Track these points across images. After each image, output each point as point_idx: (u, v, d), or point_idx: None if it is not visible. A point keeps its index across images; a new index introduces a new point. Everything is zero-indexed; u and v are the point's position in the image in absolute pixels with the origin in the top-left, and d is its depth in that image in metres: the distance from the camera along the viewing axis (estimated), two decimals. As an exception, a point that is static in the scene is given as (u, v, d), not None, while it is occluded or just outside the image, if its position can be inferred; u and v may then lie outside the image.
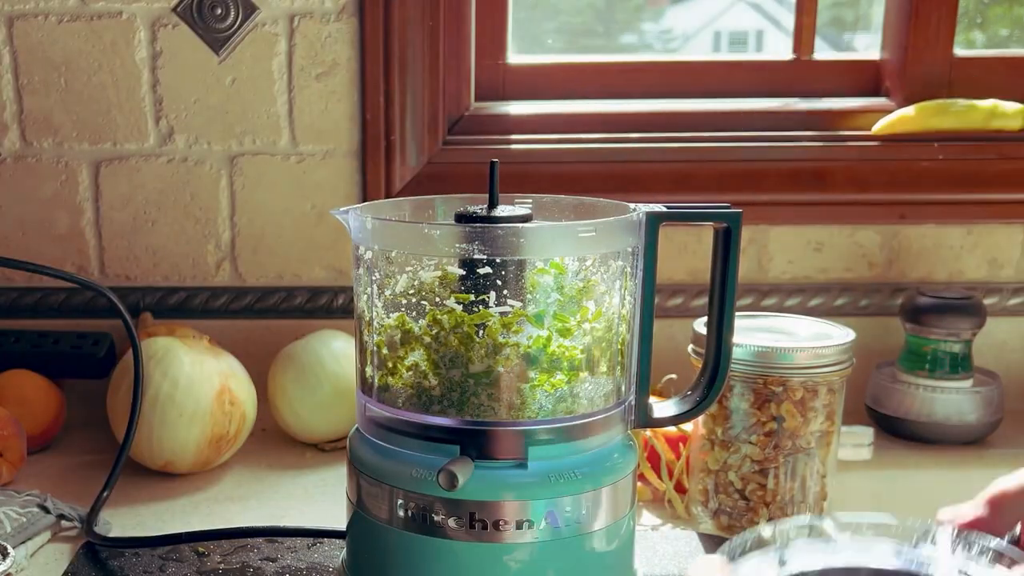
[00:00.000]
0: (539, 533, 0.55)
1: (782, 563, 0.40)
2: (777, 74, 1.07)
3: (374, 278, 0.59)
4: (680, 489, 0.81)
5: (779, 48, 1.13)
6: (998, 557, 0.40)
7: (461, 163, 1.01)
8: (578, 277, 0.58)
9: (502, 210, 0.59)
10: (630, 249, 0.59)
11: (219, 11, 0.97)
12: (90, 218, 1.03)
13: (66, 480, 0.86)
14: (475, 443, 0.56)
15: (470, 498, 0.54)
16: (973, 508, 0.47)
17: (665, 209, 0.60)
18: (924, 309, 0.94)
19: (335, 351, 0.91)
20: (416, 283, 0.58)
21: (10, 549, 0.68)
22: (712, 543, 0.74)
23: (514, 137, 1.03)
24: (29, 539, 0.73)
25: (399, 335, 0.58)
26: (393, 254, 0.59)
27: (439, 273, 0.57)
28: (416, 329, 0.57)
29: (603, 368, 0.59)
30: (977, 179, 1.00)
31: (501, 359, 0.56)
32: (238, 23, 0.98)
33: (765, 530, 0.42)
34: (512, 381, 0.56)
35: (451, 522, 0.55)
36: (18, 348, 0.97)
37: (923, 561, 0.40)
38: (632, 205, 0.60)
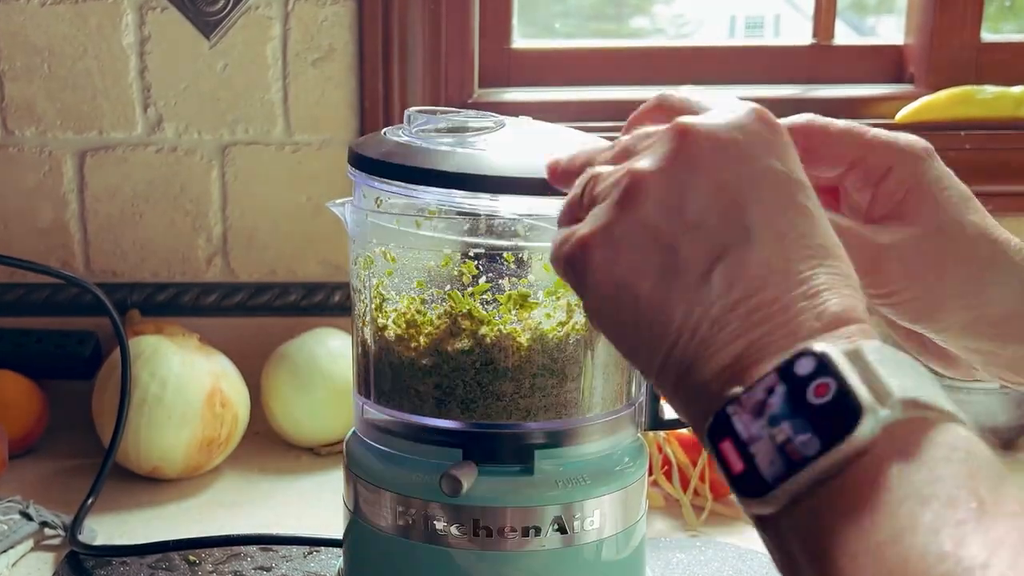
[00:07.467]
0: (546, 541, 0.55)
1: None
2: (796, 60, 1.08)
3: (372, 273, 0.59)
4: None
5: (798, 32, 1.14)
6: None
7: (464, 153, 1.01)
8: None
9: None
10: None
11: (210, -8, 0.97)
12: (75, 211, 1.03)
13: (49, 486, 0.86)
14: (479, 447, 0.55)
15: (474, 504, 0.54)
16: None
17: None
18: (951, 306, 0.92)
19: (331, 350, 0.92)
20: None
21: (-12, 559, 0.69)
22: (731, 552, 0.73)
23: (520, 126, 1.03)
24: (10, 548, 0.72)
25: (398, 332, 0.58)
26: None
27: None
28: (416, 326, 0.57)
29: (612, 368, 0.58)
30: (1006, 170, 1.00)
31: (507, 358, 0.55)
32: (230, 6, 0.97)
33: None
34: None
35: (454, 530, 0.55)
36: (-1, 347, 0.97)
37: None
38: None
